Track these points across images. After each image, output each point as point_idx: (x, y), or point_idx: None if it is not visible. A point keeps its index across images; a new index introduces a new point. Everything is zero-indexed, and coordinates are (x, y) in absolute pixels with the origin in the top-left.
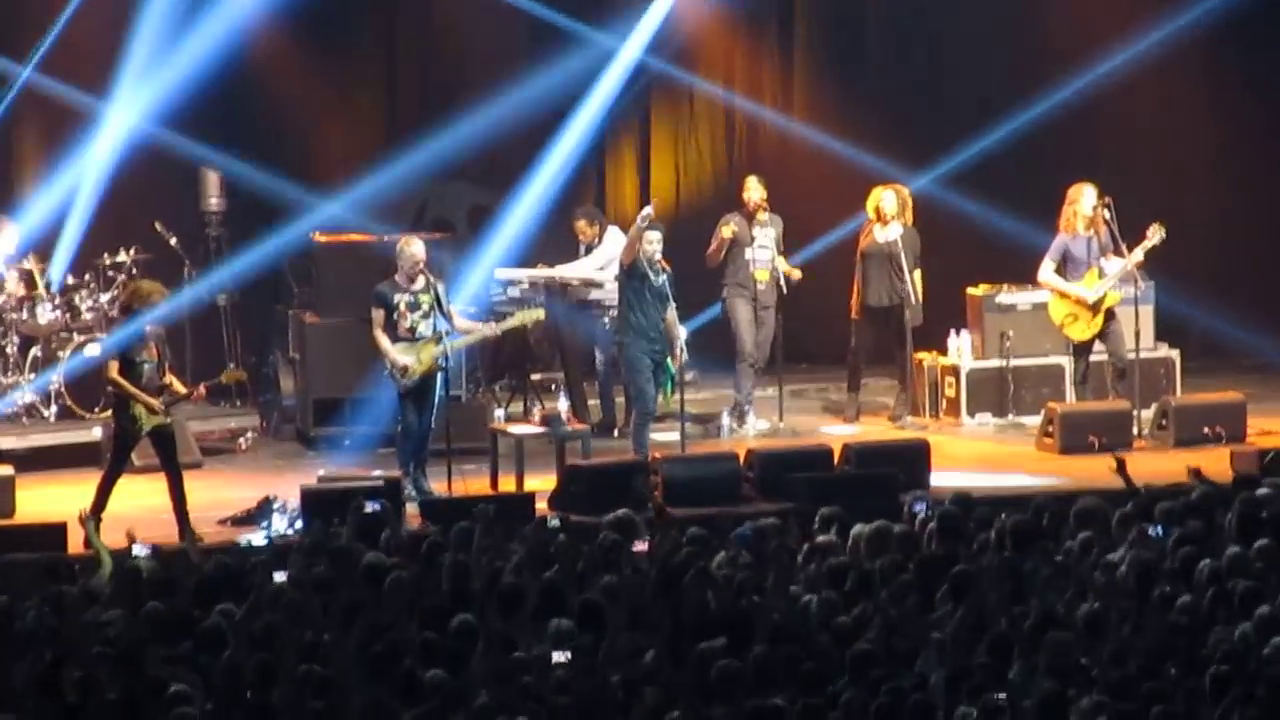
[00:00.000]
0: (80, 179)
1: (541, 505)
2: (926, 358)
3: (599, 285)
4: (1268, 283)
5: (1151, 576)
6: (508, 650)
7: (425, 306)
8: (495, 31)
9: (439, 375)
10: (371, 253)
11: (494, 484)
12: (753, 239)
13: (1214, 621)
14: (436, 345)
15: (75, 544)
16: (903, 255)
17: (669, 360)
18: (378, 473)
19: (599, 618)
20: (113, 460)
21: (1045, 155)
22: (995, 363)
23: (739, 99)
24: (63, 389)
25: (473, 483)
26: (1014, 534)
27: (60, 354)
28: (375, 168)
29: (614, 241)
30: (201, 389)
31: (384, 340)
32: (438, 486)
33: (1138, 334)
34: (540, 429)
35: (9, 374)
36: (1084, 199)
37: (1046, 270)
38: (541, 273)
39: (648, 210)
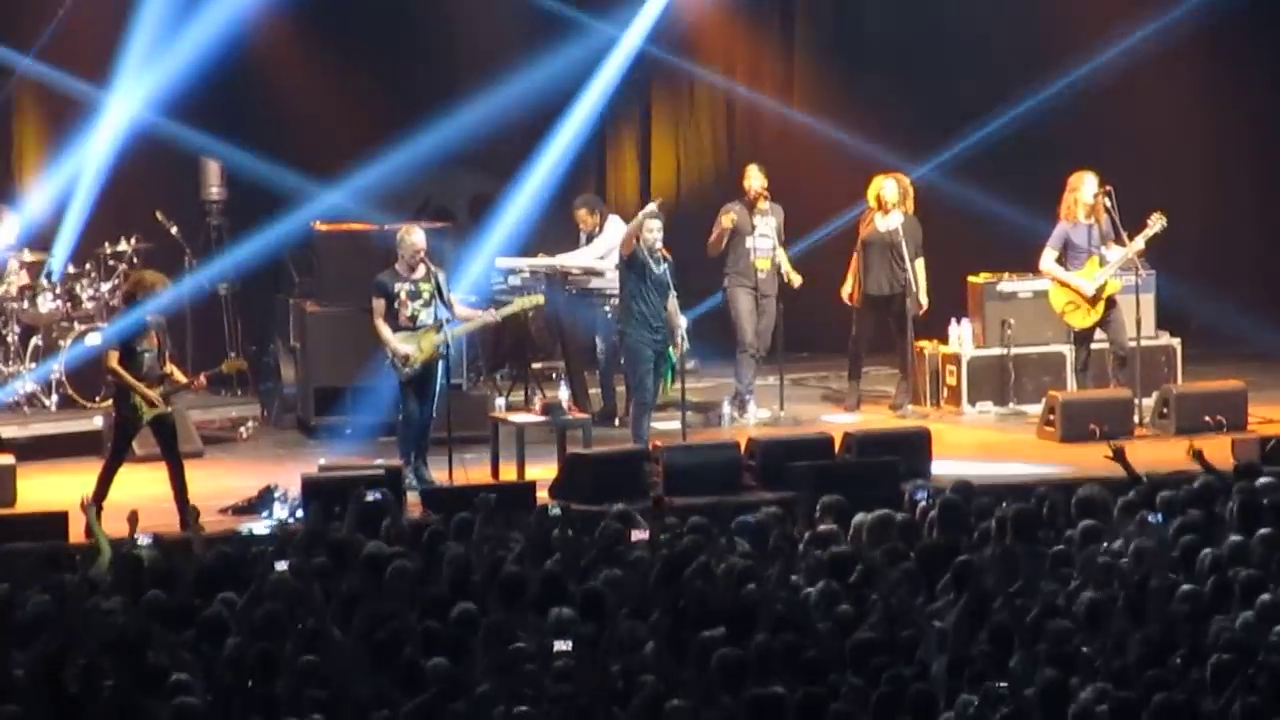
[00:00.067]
0: (81, 168)
1: (543, 494)
2: (927, 346)
3: (600, 274)
4: (1269, 271)
5: (1152, 565)
6: (509, 639)
7: (426, 295)
8: (496, 20)
9: (440, 364)
10: (372, 242)
11: (495, 473)
12: (753, 228)
13: (1215, 610)
14: (437, 334)
15: (76, 533)
16: (904, 244)
17: (670, 349)
18: (379, 461)
19: (600, 606)
20: (114, 449)
21: (1046, 144)
22: (996, 351)
23: (740, 88)
24: (64, 378)
25: (474, 471)
26: (1015, 522)
27: (61, 343)
28: (376, 157)
29: (615, 230)
30: (202, 379)
31: (385, 329)
32: (439, 475)
33: (1139, 322)
34: (541, 418)
35: (10, 363)
36: (1085, 187)
37: (1048, 259)
38: (542, 261)
39: (652, 206)
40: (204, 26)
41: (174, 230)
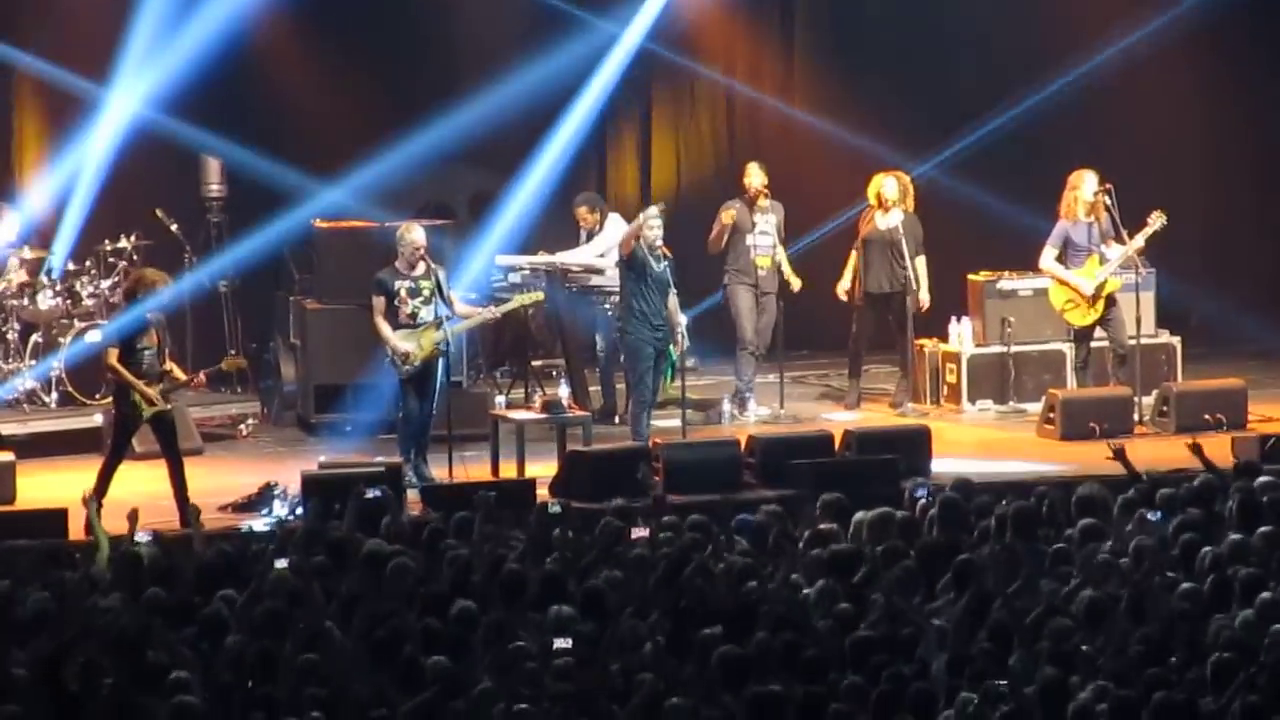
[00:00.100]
0: (81, 165)
1: (543, 492)
2: (928, 344)
3: (600, 272)
4: (1269, 269)
5: (1152, 563)
6: (509, 638)
7: (426, 293)
8: (497, 17)
9: (440, 361)
10: (372, 239)
11: (495, 470)
12: (754, 225)
13: (1215, 608)
14: (437, 331)
15: (76, 530)
16: (904, 242)
17: (671, 347)
18: (379, 459)
19: (601, 605)
20: (113, 446)
21: (1046, 142)
22: (996, 349)
23: (740, 85)
24: (63, 375)
25: (474, 469)
26: (1015, 521)
27: (61, 340)
28: (377, 154)
29: (615, 228)
30: (201, 376)
31: (385, 327)
32: (439, 473)
33: (1139, 320)
34: (541, 415)
35: (10, 360)
36: (1085, 185)
37: (1048, 257)
38: (542, 259)
39: (654, 209)
40: (204, 23)
41: (174, 227)
